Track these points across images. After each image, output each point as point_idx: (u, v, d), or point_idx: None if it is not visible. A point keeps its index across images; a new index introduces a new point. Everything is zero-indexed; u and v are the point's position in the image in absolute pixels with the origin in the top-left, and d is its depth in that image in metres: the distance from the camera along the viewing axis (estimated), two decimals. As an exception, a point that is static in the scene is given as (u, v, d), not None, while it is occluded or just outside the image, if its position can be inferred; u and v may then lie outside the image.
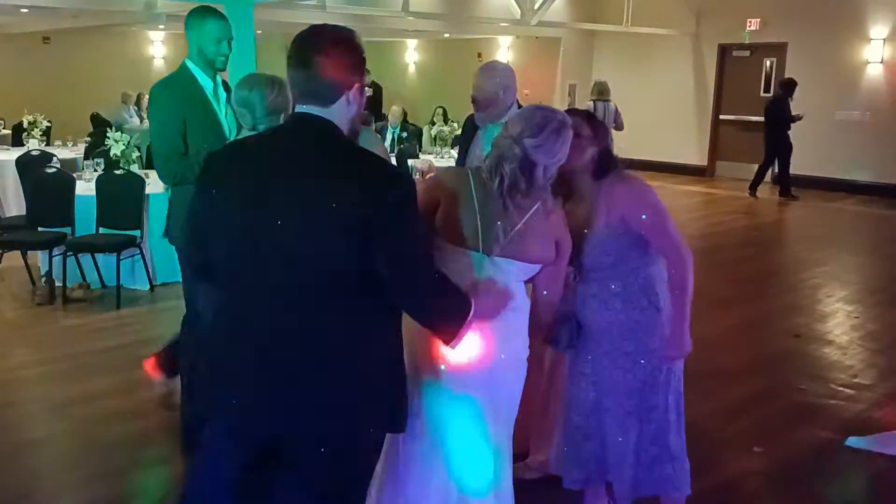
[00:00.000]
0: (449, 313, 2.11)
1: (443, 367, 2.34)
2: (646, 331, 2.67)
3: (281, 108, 3.03)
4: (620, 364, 2.71)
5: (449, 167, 2.38)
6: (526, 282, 2.46)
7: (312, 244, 1.86)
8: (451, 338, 2.14)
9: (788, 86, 11.29)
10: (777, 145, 11.26)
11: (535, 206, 2.34)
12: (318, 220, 1.86)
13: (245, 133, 3.10)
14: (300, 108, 1.96)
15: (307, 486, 2.03)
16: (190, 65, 3.29)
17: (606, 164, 2.66)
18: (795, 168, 11.30)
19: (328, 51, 1.91)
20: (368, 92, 2.69)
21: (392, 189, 1.89)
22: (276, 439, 2.02)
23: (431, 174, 2.36)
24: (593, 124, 2.69)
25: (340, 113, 1.96)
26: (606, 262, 2.65)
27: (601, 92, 10.26)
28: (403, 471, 2.39)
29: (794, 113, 11.12)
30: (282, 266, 1.89)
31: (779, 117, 11.17)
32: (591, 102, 10.14)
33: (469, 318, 2.13)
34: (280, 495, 2.07)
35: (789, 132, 11.19)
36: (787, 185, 11.43)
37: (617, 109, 10.12)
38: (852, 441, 3.80)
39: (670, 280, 2.65)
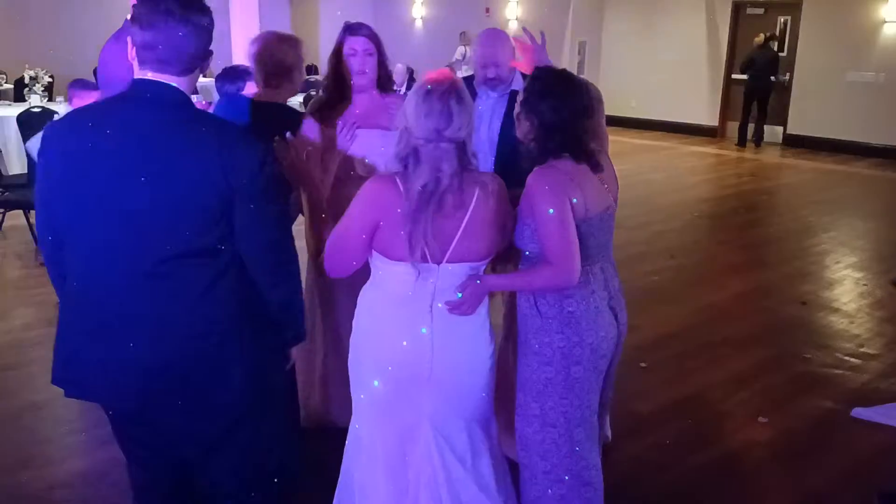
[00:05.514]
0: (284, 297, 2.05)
1: (376, 383, 2.23)
2: (531, 331, 2.38)
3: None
4: (519, 354, 2.48)
5: (375, 177, 2.23)
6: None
7: (161, 215, 1.82)
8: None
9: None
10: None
11: (476, 194, 2.12)
12: (162, 189, 1.82)
13: None
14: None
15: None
16: None
17: (543, 141, 2.28)
18: (804, 129, 10.94)
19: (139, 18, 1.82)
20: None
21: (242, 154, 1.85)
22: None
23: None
24: (531, 88, 2.30)
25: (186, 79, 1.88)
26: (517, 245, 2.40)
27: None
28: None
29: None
30: (127, 235, 1.84)
31: None
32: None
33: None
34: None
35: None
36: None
37: None
38: (857, 412, 3.78)
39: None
